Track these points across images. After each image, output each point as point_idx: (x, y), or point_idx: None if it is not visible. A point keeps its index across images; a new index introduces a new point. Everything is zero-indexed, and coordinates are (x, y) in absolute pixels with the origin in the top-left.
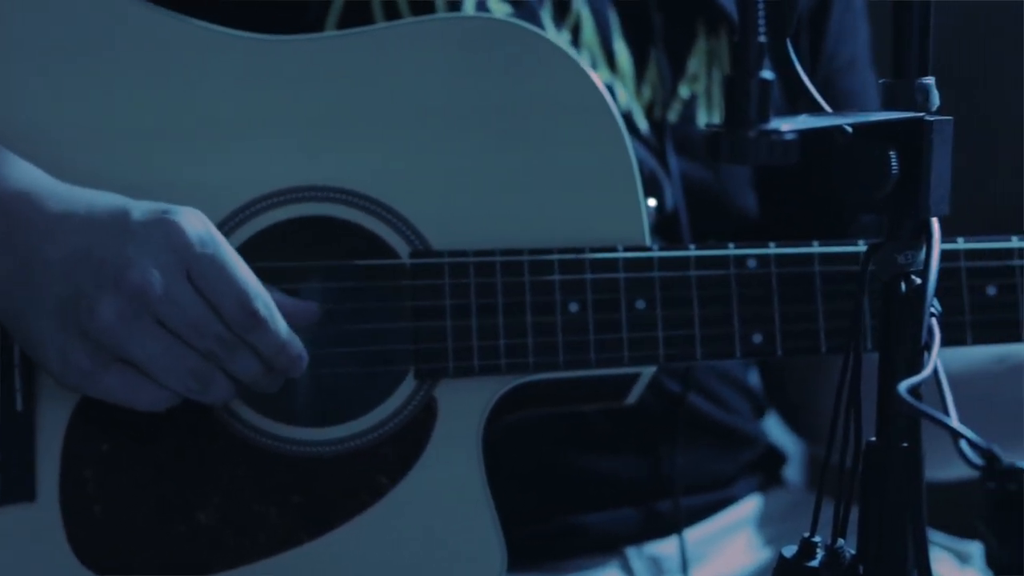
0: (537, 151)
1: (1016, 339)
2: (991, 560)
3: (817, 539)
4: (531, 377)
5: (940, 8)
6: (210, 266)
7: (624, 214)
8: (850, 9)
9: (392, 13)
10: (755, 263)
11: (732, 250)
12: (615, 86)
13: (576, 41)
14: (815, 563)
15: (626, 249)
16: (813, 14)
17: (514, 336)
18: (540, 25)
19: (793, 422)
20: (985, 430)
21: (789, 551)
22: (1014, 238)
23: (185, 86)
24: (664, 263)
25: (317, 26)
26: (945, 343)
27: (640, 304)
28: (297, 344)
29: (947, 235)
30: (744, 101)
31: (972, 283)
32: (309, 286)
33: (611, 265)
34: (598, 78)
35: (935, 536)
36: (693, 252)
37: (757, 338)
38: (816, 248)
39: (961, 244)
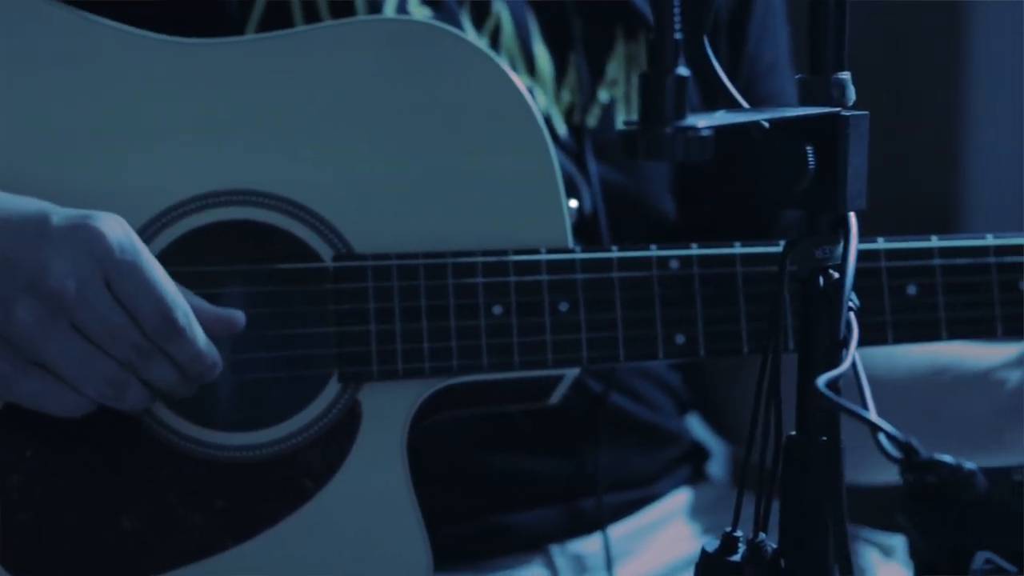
0: (459, 154)
1: (936, 338)
2: (913, 552)
3: (739, 533)
4: (455, 380)
5: (870, 4)
6: (129, 273)
7: (546, 216)
8: (770, 12)
9: (312, 16)
10: (677, 264)
11: (654, 251)
12: (535, 90)
13: (495, 44)
14: (737, 557)
15: (549, 251)
16: (733, 17)
17: (438, 339)
18: (460, 28)
19: (714, 423)
20: (925, 447)
21: (711, 545)
22: (934, 237)
23: (105, 90)
24: (586, 265)
25: (238, 28)
26: (866, 343)
27: (563, 306)
28: (213, 353)
29: (882, 232)
30: (660, 98)
31: (892, 283)
32: (231, 291)
33: (534, 267)
34: (519, 80)
35: (859, 530)
36: (616, 254)
37: (680, 339)
38: (738, 249)
39: (881, 244)
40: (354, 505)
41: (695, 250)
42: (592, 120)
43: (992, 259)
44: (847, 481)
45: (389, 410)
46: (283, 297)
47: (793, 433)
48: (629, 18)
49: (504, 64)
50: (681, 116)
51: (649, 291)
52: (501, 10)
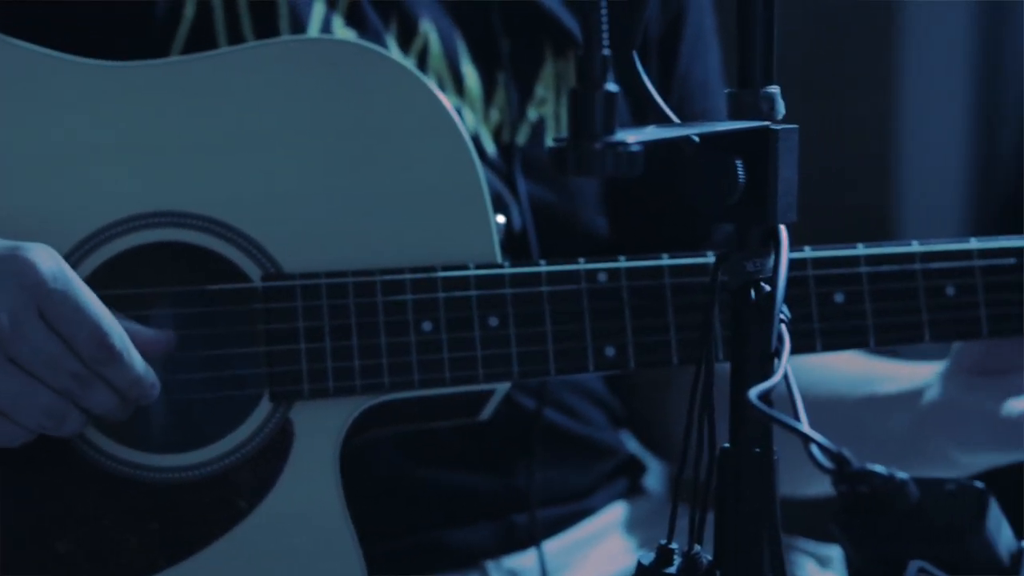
0: (387, 172)
1: (864, 345)
2: (848, 563)
3: (674, 546)
4: (386, 397)
5: (805, 15)
6: (63, 302)
7: (474, 232)
8: (701, 31)
9: (235, 33)
10: (606, 277)
11: (583, 265)
12: (463, 110)
13: (423, 65)
14: (672, 569)
15: (477, 267)
16: (664, 37)
17: (368, 357)
18: (386, 47)
19: (645, 440)
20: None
21: (646, 558)
22: (860, 245)
23: (30, 115)
24: (515, 279)
25: (163, 45)
26: (795, 351)
27: (493, 321)
28: (151, 375)
29: (816, 242)
30: (589, 113)
31: (820, 291)
32: (160, 312)
33: (463, 283)
34: (444, 97)
35: (796, 541)
36: (544, 268)
37: (610, 352)
38: (666, 261)
39: (808, 252)
40: (288, 524)
41: (623, 263)
42: (521, 138)
43: (918, 265)
44: (782, 494)
45: (321, 428)
46: (212, 318)
47: (727, 445)
48: (557, 36)
49: (430, 82)
50: (611, 131)
51: (578, 304)
52: (428, 30)
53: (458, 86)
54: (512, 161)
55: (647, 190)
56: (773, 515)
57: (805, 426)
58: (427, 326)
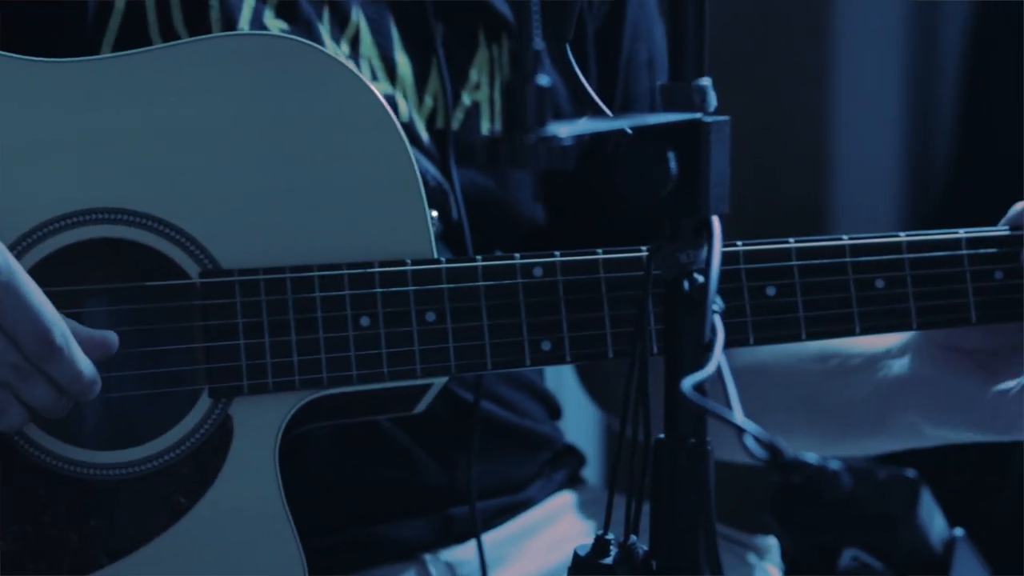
0: (322, 167)
1: (797, 338)
2: (784, 553)
3: (610, 536)
4: (325, 392)
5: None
6: (6, 295)
7: (410, 228)
8: (644, 11)
9: (167, 27)
10: (541, 271)
11: (518, 260)
12: (396, 97)
13: (355, 52)
14: (609, 560)
15: (414, 262)
16: (607, 19)
17: (307, 352)
18: (318, 39)
19: (595, 394)
20: (810, 431)
21: (583, 549)
22: (791, 240)
23: None
24: (452, 274)
25: (95, 39)
26: (728, 344)
27: (430, 316)
28: (92, 371)
29: (746, 232)
30: (522, 107)
31: (752, 284)
32: (99, 309)
33: (400, 278)
34: (379, 93)
35: (733, 532)
36: (480, 263)
37: (546, 345)
38: (600, 255)
39: (740, 247)
40: (228, 520)
41: (558, 257)
42: (455, 124)
43: (848, 259)
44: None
45: (260, 423)
46: (151, 314)
47: (662, 436)
48: (490, 21)
49: (364, 76)
50: (543, 125)
51: (514, 298)
52: (360, 18)
53: (391, 73)
54: (446, 148)
55: (581, 181)
56: (708, 505)
57: (739, 416)
58: (365, 321)
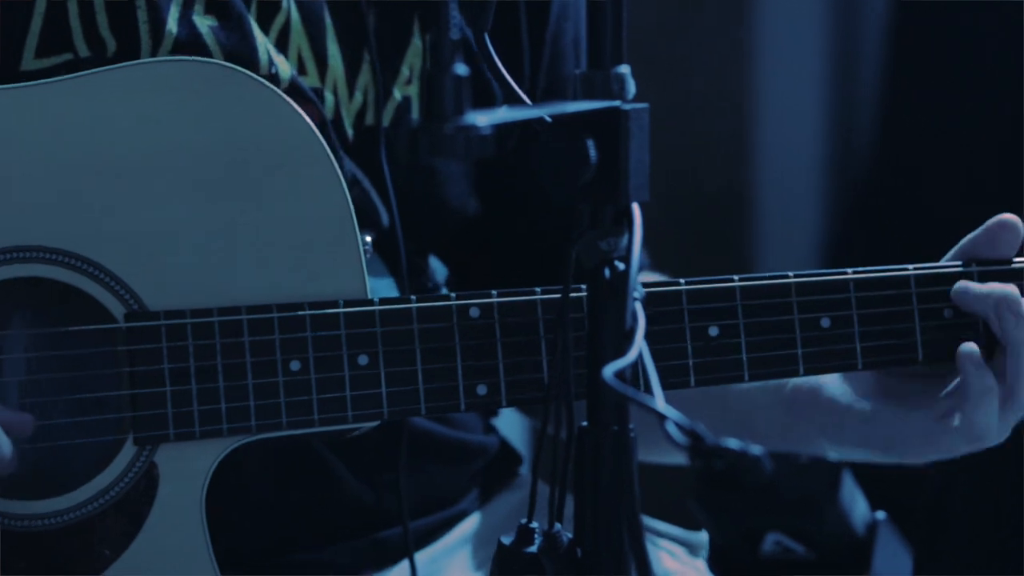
0: (252, 203)
1: (739, 380)
2: (711, 542)
3: (535, 525)
4: (253, 437)
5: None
6: None
7: (343, 265)
8: None
9: (91, 33)
10: (478, 312)
11: (454, 301)
12: (325, 91)
13: (283, 43)
14: (533, 548)
15: (347, 304)
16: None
17: (235, 399)
18: (248, 34)
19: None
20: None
21: (507, 538)
22: (735, 278)
23: None
24: (385, 317)
25: (16, 47)
26: (670, 387)
27: (362, 359)
28: (8, 449)
29: (674, 221)
30: (440, 97)
31: (694, 325)
32: (19, 355)
33: (332, 321)
34: (311, 123)
35: (665, 527)
36: (415, 304)
37: (481, 390)
38: (539, 296)
39: (683, 286)
40: (154, 571)
41: (496, 298)
42: (387, 120)
43: (794, 298)
44: (646, 461)
45: (187, 471)
46: (74, 360)
47: (585, 424)
48: (425, 12)
49: (295, 105)
50: (461, 114)
51: (450, 341)
52: (291, 5)
53: (321, 66)
54: (377, 144)
55: (513, 174)
56: (631, 492)
57: (660, 403)
58: (295, 365)
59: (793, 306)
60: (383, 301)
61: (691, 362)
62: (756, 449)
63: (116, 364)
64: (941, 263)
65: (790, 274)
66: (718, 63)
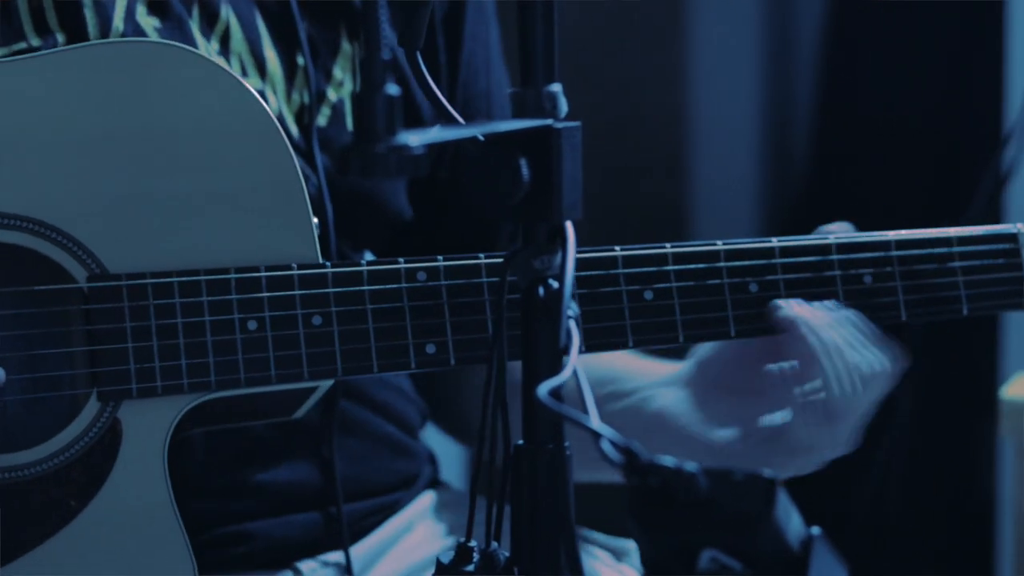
0: (206, 172)
1: (675, 341)
2: (643, 556)
3: (473, 543)
4: (213, 395)
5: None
6: None
7: (295, 232)
8: (481, 12)
9: (41, 27)
10: (425, 276)
11: (403, 264)
12: (266, 92)
13: (225, 49)
14: (471, 567)
15: (300, 266)
16: (447, 21)
17: (195, 356)
18: (190, 37)
19: (448, 427)
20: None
21: (446, 557)
22: (667, 245)
23: None
24: (338, 278)
25: None
26: (608, 347)
27: (316, 320)
28: None
29: (612, 238)
30: (371, 116)
31: (630, 288)
32: None
33: (287, 282)
34: (259, 96)
35: (592, 535)
36: (365, 267)
37: (431, 348)
38: (483, 260)
39: (618, 251)
40: (118, 522)
41: (442, 262)
42: (322, 120)
43: (723, 263)
44: (580, 479)
45: (149, 426)
46: (39, 319)
47: (520, 442)
48: (350, 18)
49: (246, 82)
50: (393, 133)
51: (399, 302)
52: (229, 14)
53: (261, 69)
54: (312, 143)
55: (445, 181)
56: (567, 510)
57: (595, 421)
58: (252, 325)
59: (723, 271)
60: (335, 265)
61: (628, 323)
62: (691, 466)
63: (80, 323)
64: (860, 234)
65: (718, 242)
66: (652, 77)
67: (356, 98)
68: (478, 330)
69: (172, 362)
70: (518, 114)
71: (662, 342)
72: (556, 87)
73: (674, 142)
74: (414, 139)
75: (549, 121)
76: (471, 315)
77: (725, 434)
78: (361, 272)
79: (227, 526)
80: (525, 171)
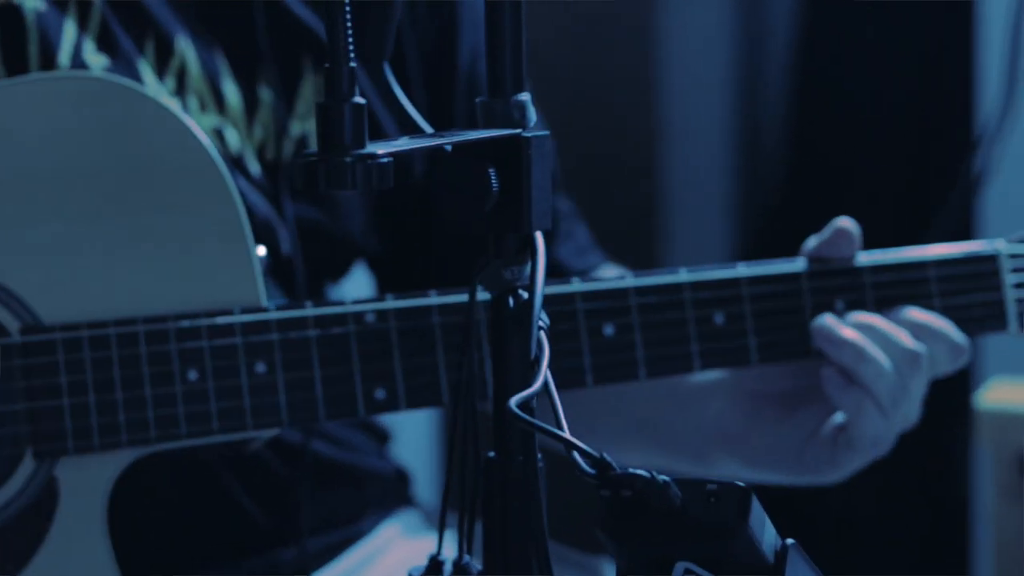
0: (146, 215)
1: (634, 377)
2: (618, 570)
3: (444, 557)
4: (153, 448)
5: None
6: None
7: (238, 273)
8: (477, 27)
9: None
10: (374, 318)
11: (350, 307)
12: (225, 129)
13: (182, 86)
14: None
15: (243, 311)
16: (440, 38)
17: (133, 410)
18: (138, 76)
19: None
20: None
21: (417, 570)
22: (628, 276)
23: None
24: (282, 324)
25: None
26: (567, 386)
27: (260, 368)
28: None
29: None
30: (338, 127)
31: (590, 324)
32: None
33: (228, 330)
34: (202, 133)
35: (568, 553)
36: (311, 311)
37: (380, 394)
38: (435, 299)
39: (576, 286)
40: None
41: (391, 303)
42: (286, 155)
43: (687, 295)
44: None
45: (87, 484)
46: None
47: (492, 455)
48: (316, 50)
49: (186, 117)
50: (360, 144)
51: (347, 347)
52: (186, 49)
53: (219, 104)
54: (277, 180)
55: (415, 211)
56: (540, 522)
57: (566, 432)
58: (193, 375)
59: (686, 304)
60: (279, 307)
61: (587, 361)
62: (663, 477)
63: (12, 379)
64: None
65: (682, 271)
66: (623, 86)
67: (321, 109)
68: (430, 374)
69: (110, 418)
70: (486, 124)
71: (624, 379)
72: (525, 96)
73: (646, 143)
74: (381, 149)
75: (518, 130)
76: (422, 358)
77: (779, 436)
78: (307, 317)
79: (181, 573)
80: (494, 181)
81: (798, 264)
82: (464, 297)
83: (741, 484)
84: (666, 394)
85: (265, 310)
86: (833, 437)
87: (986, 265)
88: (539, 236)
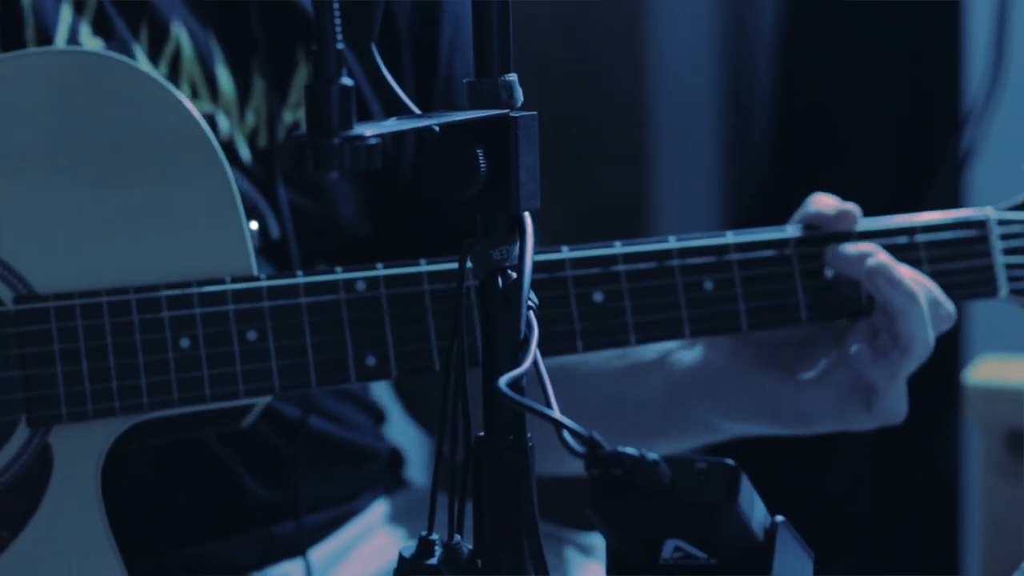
0: (138, 187)
1: (626, 343)
2: (608, 549)
3: (435, 536)
4: (147, 416)
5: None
6: None
7: (229, 244)
8: (460, 27)
9: None
10: (364, 286)
11: (341, 274)
12: (217, 115)
13: (176, 71)
14: (434, 560)
15: (234, 280)
16: (420, 36)
17: (126, 377)
18: (132, 55)
19: (417, 417)
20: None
21: (408, 551)
22: (617, 243)
23: None
24: (273, 292)
25: None
26: (557, 352)
27: (251, 335)
28: None
29: (571, 231)
30: (326, 108)
31: (579, 291)
32: None
33: (220, 298)
34: (193, 107)
35: (559, 531)
36: (302, 279)
37: (371, 361)
38: (424, 267)
39: (566, 253)
40: (51, 551)
41: (381, 271)
42: (278, 143)
43: (676, 261)
44: (541, 473)
45: (81, 451)
46: None
47: (482, 434)
48: (309, 38)
49: (179, 92)
50: (348, 126)
51: (337, 314)
52: (180, 33)
53: (212, 91)
54: (270, 167)
55: (407, 194)
56: (530, 502)
57: (556, 412)
58: (185, 343)
59: (675, 270)
60: (270, 277)
61: (578, 328)
62: (653, 455)
63: (6, 347)
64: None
65: (671, 238)
66: (611, 69)
67: (309, 90)
68: (420, 340)
69: (103, 385)
70: (474, 104)
71: (614, 345)
72: (512, 76)
73: (634, 133)
74: (369, 130)
75: (505, 111)
76: (413, 325)
77: (768, 382)
78: (297, 285)
79: (179, 549)
80: (482, 160)
81: (788, 231)
82: (454, 264)
83: (730, 462)
84: (632, 363)
85: (256, 278)
86: (841, 391)
87: (975, 231)
88: (527, 216)
